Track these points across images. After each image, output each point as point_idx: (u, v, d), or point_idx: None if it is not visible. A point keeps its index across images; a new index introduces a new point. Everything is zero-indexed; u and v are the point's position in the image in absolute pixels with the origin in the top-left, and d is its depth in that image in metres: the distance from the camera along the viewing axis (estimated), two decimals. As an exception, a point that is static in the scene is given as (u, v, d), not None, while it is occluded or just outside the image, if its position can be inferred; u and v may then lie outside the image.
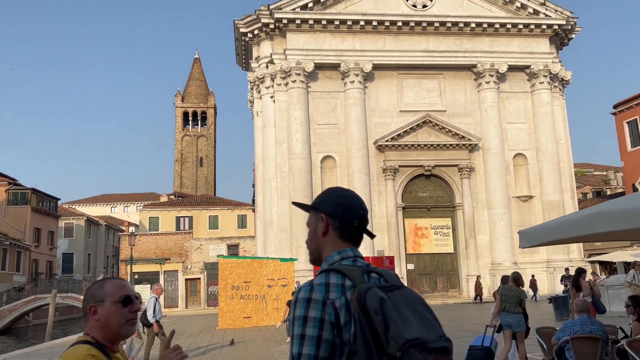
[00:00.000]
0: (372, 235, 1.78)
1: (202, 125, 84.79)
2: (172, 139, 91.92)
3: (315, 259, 1.77)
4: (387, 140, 30.94)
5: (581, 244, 32.68)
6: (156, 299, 11.73)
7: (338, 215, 1.68)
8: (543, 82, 32.60)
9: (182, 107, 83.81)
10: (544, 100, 32.56)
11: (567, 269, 22.87)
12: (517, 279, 9.25)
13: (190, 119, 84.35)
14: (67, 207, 64.14)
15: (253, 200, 45.77)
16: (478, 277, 29.01)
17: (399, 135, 31.09)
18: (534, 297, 27.34)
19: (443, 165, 31.63)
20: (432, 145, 31.40)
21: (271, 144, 31.27)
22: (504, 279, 9.74)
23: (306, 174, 29.57)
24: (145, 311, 11.70)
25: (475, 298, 28.13)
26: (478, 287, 28.38)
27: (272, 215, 30.80)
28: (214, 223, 50.49)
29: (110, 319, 1.95)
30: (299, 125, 29.99)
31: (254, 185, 41.29)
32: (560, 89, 34.12)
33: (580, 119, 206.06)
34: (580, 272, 10.83)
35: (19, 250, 44.54)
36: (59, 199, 54.91)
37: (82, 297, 28.06)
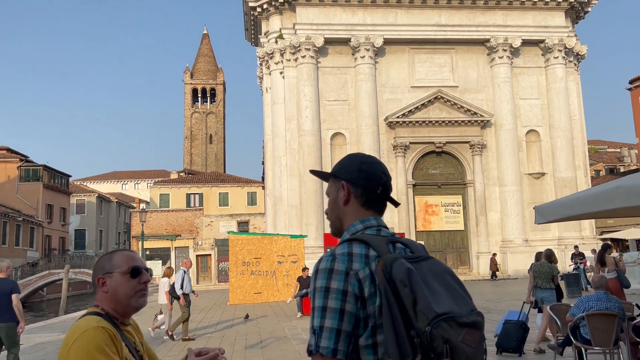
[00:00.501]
0: (396, 204, 1.67)
1: (211, 102, 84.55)
2: (181, 116, 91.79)
3: (336, 230, 1.66)
4: (397, 117, 30.61)
5: (593, 222, 32.42)
6: (185, 272, 11.98)
7: (360, 183, 1.58)
8: (558, 57, 31.95)
9: (191, 83, 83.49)
10: (558, 75, 31.95)
11: (576, 247, 22.71)
12: (549, 255, 9.41)
13: (199, 95, 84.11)
14: (78, 184, 64.60)
15: (263, 178, 45.79)
16: (494, 254, 28.85)
17: (410, 111, 30.74)
18: None
19: (454, 142, 31.30)
20: (443, 121, 31.03)
21: (280, 120, 31.07)
22: (537, 256, 9.91)
23: (316, 151, 29.41)
24: (174, 284, 12.08)
25: (492, 275, 28.01)
26: (493, 264, 28.27)
27: (282, 192, 30.79)
28: (224, 200, 50.68)
29: (119, 291, 1.91)
30: (309, 101, 29.71)
31: (263, 163, 41.26)
32: (575, 64, 33.45)
33: (594, 95, 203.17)
34: (606, 247, 10.92)
35: (32, 227, 45.08)
36: (70, 176, 55.32)
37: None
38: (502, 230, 31.03)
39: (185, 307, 11.83)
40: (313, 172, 1.84)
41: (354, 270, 1.39)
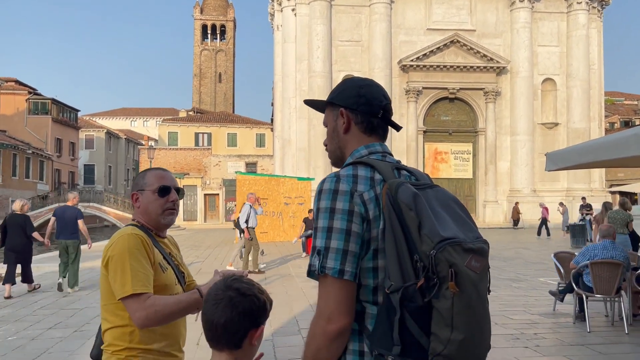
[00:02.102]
0: (397, 127, 1.57)
1: (221, 40, 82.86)
2: (190, 54, 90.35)
3: (336, 159, 1.57)
4: (412, 60, 29.84)
5: (603, 174, 32.14)
6: (250, 206, 12.30)
7: (360, 108, 1.50)
8: (581, 2, 30.65)
9: (200, 19, 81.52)
10: (580, 22, 30.75)
11: (584, 198, 22.62)
12: (623, 204, 10.26)
13: (209, 32, 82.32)
14: (87, 119, 64.50)
15: (272, 120, 45.40)
16: (516, 203, 28.57)
17: (424, 55, 29.93)
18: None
19: (468, 88, 30.64)
20: (458, 66, 30.25)
21: (291, 60, 30.40)
22: (606, 205, 11.24)
23: (326, 93, 28.89)
24: (239, 218, 12.74)
25: (515, 224, 27.98)
26: (515, 212, 28.12)
27: (291, 134, 30.57)
28: (232, 140, 50.56)
29: (149, 207, 2.08)
30: (320, 41, 28.93)
31: (273, 104, 40.80)
32: (598, 10, 32.11)
33: (615, 43, 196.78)
34: (608, 206, 11.75)
35: (42, 160, 45.41)
36: (79, 110, 55.11)
37: (103, 208, 28.70)
38: (510, 180, 30.88)
39: (250, 240, 12.15)
40: (307, 101, 1.71)
41: (358, 191, 1.34)
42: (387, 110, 1.51)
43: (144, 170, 2.20)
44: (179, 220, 38.15)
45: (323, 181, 1.39)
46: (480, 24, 30.82)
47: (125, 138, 63.40)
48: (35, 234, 9.55)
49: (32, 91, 47.81)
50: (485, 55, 30.31)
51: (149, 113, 79.16)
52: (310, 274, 1.35)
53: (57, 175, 49.03)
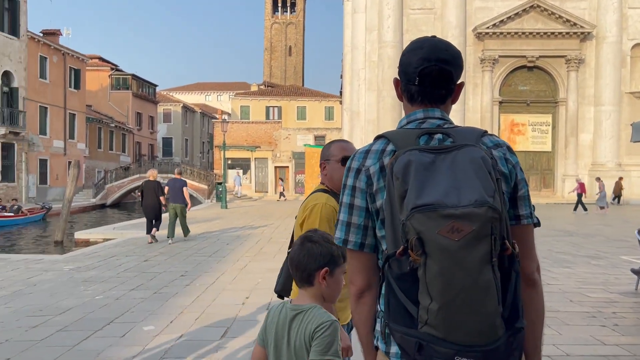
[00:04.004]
0: (450, 90, 1.48)
1: (291, 13, 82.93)
2: (262, 27, 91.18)
3: None
4: (487, 27, 28.52)
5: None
6: None
7: (401, 77, 1.48)
8: (681, -42, 27.88)
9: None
10: (680, -20, 28.02)
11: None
12: None
13: (279, 5, 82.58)
14: (165, 93, 67.15)
15: (341, 92, 45.19)
16: (620, 178, 26.92)
17: (501, 21, 28.49)
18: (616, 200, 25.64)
19: (549, 55, 28.94)
20: (538, 33, 28.58)
21: (361, 31, 29.93)
22: None
23: (395, 64, 28.15)
24: None
25: (616, 199, 26.44)
26: (618, 187, 26.49)
27: (360, 106, 30.34)
28: (301, 114, 50.96)
29: (334, 175, 2.40)
30: (391, 10, 28.23)
31: (342, 76, 40.54)
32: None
33: None
34: None
35: (124, 133, 47.99)
36: (157, 85, 57.46)
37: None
38: (593, 153, 29.13)
39: None
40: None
41: (365, 166, 1.40)
42: (426, 74, 1.41)
43: (329, 142, 2.52)
44: (251, 191, 39.23)
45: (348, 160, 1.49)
46: (564, -14, 28.86)
47: (200, 112, 65.53)
48: (161, 198, 12.32)
49: (114, 67, 50.30)
50: (568, 20, 28.41)
51: (222, 87, 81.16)
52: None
53: (138, 148, 51.70)
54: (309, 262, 1.73)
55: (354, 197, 1.41)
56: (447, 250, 1.16)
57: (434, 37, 1.48)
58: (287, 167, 42.24)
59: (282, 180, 39.02)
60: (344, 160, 2.36)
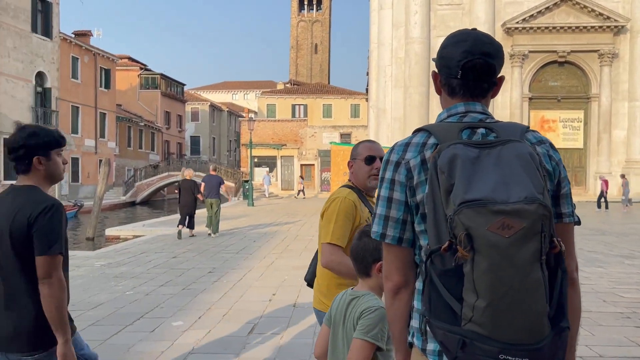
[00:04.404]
0: (493, 83, 1.46)
1: (317, 10, 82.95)
2: (287, 26, 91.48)
3: None
4: (517, 22, 28.02)
5: None
6: None
7: (442, 71, 1.46)
8: None
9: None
10: None
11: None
12: None
13: (305, 3, 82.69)
14: (192, 92, 67.96)
15: (367, 90, 45.01)
16: None
17: (531, 16, 27.95)
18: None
19: (580, 50, 28.26)
20: (569, 27, 27.94)
21: (387, 27, 29.74)
22: None
23: (423, 60, 28.02)
24: None
25: None
26: None
27: (386, 104, 30.16)
28: (327, 111, 50.95)
29: (359, 173, 2.54)
30: (419, 6, 27.95)
31: (368, 74, 40.37)
32: None
33: None
34: None
35: (153, 132, 48.78)
36: (185, 85, 58.20)
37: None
38: (627, 150, 28.34)
39: None
40: (434, 60, 1.77)
41: (405, 159, 1.38)
42: (469, 68, 1.39)
43: (358, 142, 2.69)
44: (277, 189, 39.41)
45: (386, 153, 1.48)
46: (597, -22, 28.13)
47: (227, 111, 66.12)
48: (198, 195, 12.92)
49: (143, 67, 51.13)
50: (601, 14, 27.69)
51: (248, 86, 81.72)
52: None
53: (167, 146, 52.49)
54: (365, 255, 1.86)
55: (392, 191, 1.40)
56: (497, 246, 1.14)
57: (475, 29, 1.46)
58: (313, 165, 42.29)
59: (302, 178, 39.15)
60: (368, 160, 2.50)
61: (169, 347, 4.61)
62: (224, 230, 14.15)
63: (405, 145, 1.41)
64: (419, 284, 1.40)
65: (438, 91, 1.50)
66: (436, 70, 1.48)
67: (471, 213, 1.16)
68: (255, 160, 38.87)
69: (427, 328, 1.30)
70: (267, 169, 40.93)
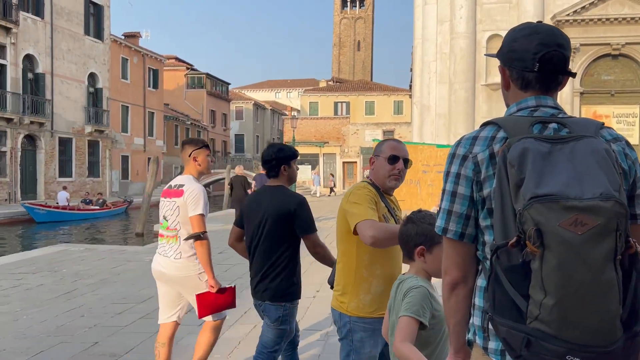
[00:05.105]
0: (571, 74, 1.44)
1: (360, 7, 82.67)
2: (330, 24, 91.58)
3: None
4: (568, 14, 27.05)
5: None
6: None
7: (514, 65, 1.42)
8: None
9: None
10: None
11: None
12: None
13: (348, 1, 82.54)
14: (236, 91, 69.04)
15: (410, 86, 44.52)
16: None
17: (583, 7, 26.92)
18: None
19: (636, 42, 27.01)
20: (624, 18, 26.76)
21: (432, 22, 29.29)
22: None
23: (469, 56, 27.44)
24: None
25: None
26: None
27: (430, 100, 29.72)
28: (370, 109, 50.73)
29: (380, 171, 2.50)
30: (464, 0, 27.38)
31: (411, 70, 39.92)
32: None
33: None
34: None
35: (199, 130, 49.87)
36: (230, 84, 59.19)
37: (251, 174, 31.08)
38: (687, 147, 26.94)
39: None
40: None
41: (473, 153, 1.36)
42: (546, 60, 1.37)
43: (384, 139, 2.68)
44: (320, 187, 39.55)
45: (452, 146, 1.46)
46: (654, -34, 26.82)
47: (270, 109, 66.85)
48: (250, 190, 13.57)
49: (190, 67, 52.32)
50: (659, 3, 26.39)
51: (291, 84, 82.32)
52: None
53: (212, 145, 53.54)
54: (408, 240, 1.96)
55: (457, 185, 1.38)
56: (569, 243, 1.11)
57: (540, 22, 1.45)
58: (355, 162, 42.21)
59: (332, 175, 39.20)
60: (391, 159, 2.46)
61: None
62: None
63: (473, 138, 1.39)
64: (481, 281, 1.38)
65: (506, 86, 1.48)
66: (503, 65, 1.46)
67: (542, 208, 1.13)
68: (298, 158, 39.14)
69: (489, 326, 1.27)
70: (314, 169, 41.07)
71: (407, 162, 2.49)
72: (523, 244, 1.15)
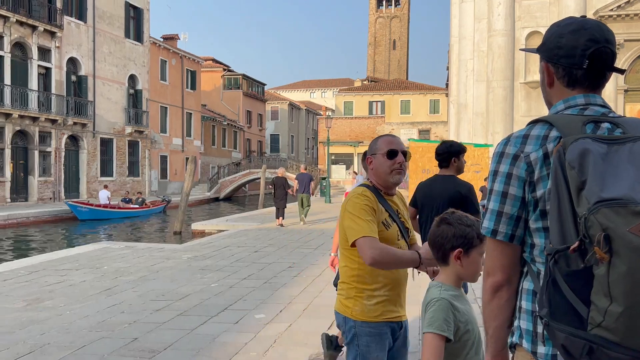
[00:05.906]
0: (621, 71, 1.40)
1: (395, 6, 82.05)
2: (366, 23, 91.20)
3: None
4: (611, 10, 26.17)
5: None
6: None
7: (561, 61, 1.37)
8: None
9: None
10: None
11: None
12: None
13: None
14: (272, 92, 69.58)
15: (446, 84, 43.91)
16: None
17: (627, 2, 25.99)
18: None
19: (685, 37, 25.90)
20: (672, 12, 25.68)
21: (469, 20, 28.81)
22: None
23: (507, 53, 26.85)
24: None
25: None
26: None
27: (467, 99, 29.24)
28: (405, 108, 50.25)
29: (379, 169, 2.39)
30: (502, -4, 26.82)
31: (448, 68, 39.37)
32: None
33: None
34: None
35: (235, 130, 50.50)
36: (265, 85, 59.70)
37: (287, 174, 31.28)
38: None
39: None
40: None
41: (525, 152, 1.32)
42: (596, 57, 1.33)
43: (376, 137, 2.53)
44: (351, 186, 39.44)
45: (498, 144, 1.41)
46: None
47: (305, 109, 67.09)
48: (290, 190, 14.97)
49: (226, 68, 53.02)
50: None
51: (326, 84, 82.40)
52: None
53: (248, 144, 54.14)
54: (443, 242, 1.82)
55: (508, 185, 1.34)
56: (637, 249, 1.07)
57: (584, 16, 1.39)
58: (391, 162, 41.91)
59: (355, 173, 38.98)
60: (390, 154, 2.36)
61: (252, 339, 4.74)
62: (309, 221, 15.88)
63: (524, 137, 1.35)
64: (528, 284, 1.35)
65: (550, 83, 1.43)
66: (547, 62, 1.41)
67: (610, 213, 1.09)
68: (333, 157, 39.12)
69: (542, 330, 1.24)
70: (348, 169, 41.01)
71: (406, 154, 2.40)
72: (585, 248, 1.11)
